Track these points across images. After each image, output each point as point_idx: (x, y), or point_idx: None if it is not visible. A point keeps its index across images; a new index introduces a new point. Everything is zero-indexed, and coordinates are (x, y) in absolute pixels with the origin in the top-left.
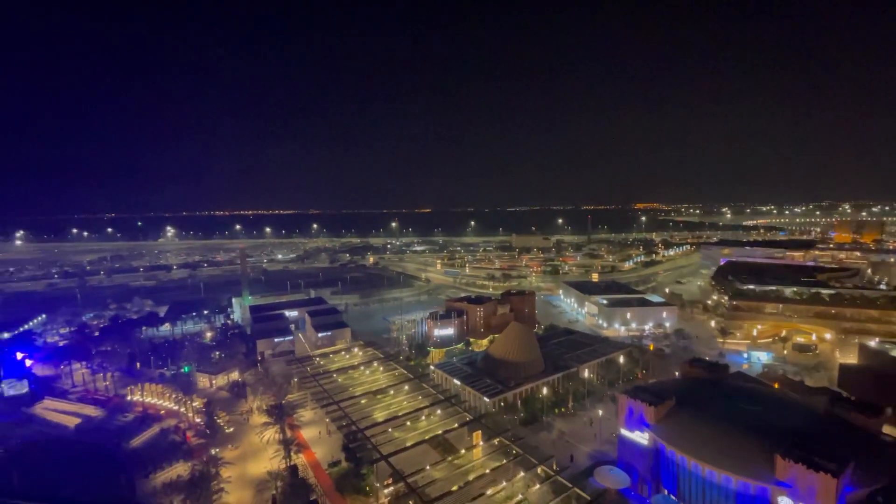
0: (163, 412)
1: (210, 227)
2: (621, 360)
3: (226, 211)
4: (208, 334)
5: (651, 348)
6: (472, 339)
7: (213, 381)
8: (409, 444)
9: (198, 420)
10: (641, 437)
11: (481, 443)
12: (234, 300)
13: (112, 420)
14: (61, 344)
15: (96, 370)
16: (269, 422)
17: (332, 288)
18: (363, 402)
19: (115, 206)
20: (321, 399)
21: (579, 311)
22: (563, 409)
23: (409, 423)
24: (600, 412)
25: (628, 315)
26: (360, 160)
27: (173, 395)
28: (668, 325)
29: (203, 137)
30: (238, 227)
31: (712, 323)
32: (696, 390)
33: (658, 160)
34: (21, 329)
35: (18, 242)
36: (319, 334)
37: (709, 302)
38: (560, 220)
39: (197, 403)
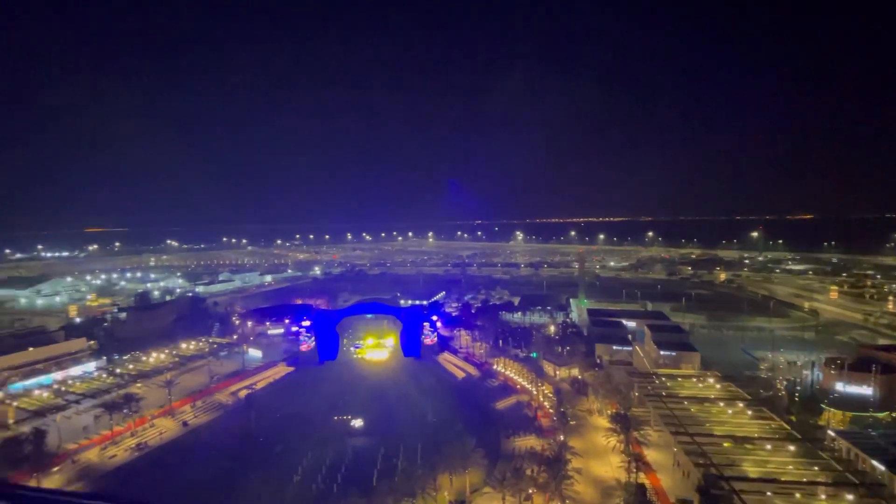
0: (518, 387)
1: (547, 232)
2: None
3: (559, 219)
4: (551, 328)
5: None
6: None
7: (557, 372)
8: None
9: (545, 403)
10: None
11: None
12: (571, 301)
13: (484, 382)
14: (454, 314)
15: (475, 339)
16: (614, 429)
17: (671, 303)
18: (726, 445)
19: (481, 216)
20: (669, 424)
21: None
22: None
23: (798, 495)
24: None
25: None
26: (699, 157)
27: (527, 375)
28: None
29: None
30: (573, 233)
31: None
32: None
33: None
34: (432, 300)
35: (430, 240)
36: (662, 352)
37: None
38: None
39: (546, 389)
